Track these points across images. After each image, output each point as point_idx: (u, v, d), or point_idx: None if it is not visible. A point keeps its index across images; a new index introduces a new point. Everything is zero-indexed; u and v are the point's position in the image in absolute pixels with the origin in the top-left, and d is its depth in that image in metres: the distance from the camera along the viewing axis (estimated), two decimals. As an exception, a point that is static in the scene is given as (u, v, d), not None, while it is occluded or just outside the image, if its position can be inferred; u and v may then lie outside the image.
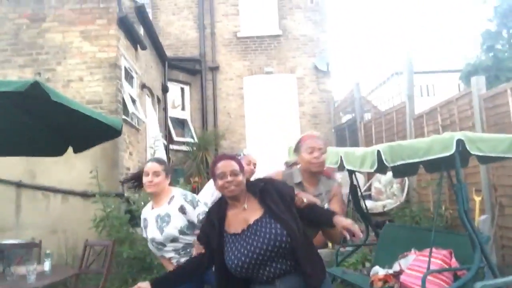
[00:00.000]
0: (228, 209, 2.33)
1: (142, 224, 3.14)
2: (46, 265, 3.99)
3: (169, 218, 2.91)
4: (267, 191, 2.29)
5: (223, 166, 2.29)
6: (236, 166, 2.30)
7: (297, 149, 2.80)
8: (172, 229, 2.89)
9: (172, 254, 2.96)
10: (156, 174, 2.99)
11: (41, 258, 4.76)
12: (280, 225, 2.15)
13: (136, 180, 3.16)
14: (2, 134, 4.43)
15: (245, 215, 2.27)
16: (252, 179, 3.09)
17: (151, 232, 2.98)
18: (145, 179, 3.01)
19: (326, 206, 2.69)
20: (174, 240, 2.90)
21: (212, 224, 2.30)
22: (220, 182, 2.27)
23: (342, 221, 2.16)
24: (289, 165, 3.02)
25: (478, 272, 3.37)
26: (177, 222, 2.90)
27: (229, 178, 2.25)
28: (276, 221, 2.17)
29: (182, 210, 2.93)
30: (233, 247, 2.21)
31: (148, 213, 3.08)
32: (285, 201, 2.26)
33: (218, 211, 2.34)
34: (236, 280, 2.22)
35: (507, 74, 8.54)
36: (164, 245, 2.93)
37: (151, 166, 3.02)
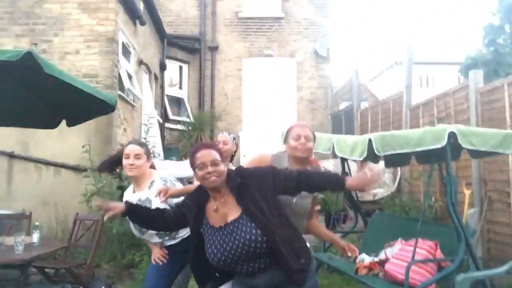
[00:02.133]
0: (208, 200, 2.27)
1: None
2: (35, 237, 4.00)
3: (150, 203, 2.84)
4: (245, 188, 2.20)
5: (202, 156, 2.19)
6: (216, 156, 2.21)
7: (285, 137, 2.79)
8: None
9: (155, 239, 2.97)
10: (137, 157, 2.91)
11: (30, 230, 4.78)
12: (258, 227, 2.10)
13: (115, 163, 3.06)
14: (-5, 104, 4.40)
15: (223, 210, 2.22)
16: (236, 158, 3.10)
17: None
18: (125, 162, 2.91)
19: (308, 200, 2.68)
20: None
21: (190, 209, 2.29)
22: (200, 173, 2.18)
23: (356, 182, 2.17)
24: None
25: (462, 264, 3.42)
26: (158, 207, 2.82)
27: (210, 169, 2.16)
28: (254, 223, 2.11)
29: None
30: (212, 240, 2.20)
31: (130, 196, 3.02)
32: (265, 197, 2.17)
33: (198, 199, 2.29)
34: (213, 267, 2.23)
35: (507, 69, 8.49)
36: (145, 232, 2.93)
37: (132, 149, 2.93)
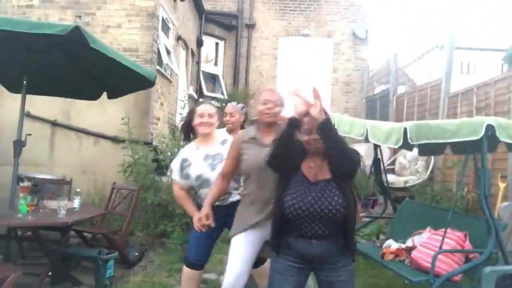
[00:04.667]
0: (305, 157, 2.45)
1: (179, 165, 3.26)
2: (76, 202, 4.21)
3: (221, 157, 3.11)
4: (337, 158, 2.35)
5: (308, 122, 2.33)
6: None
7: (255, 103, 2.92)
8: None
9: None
10: (211, 116, 3.22)
11: (71, 195, 5.03)
12: (341, 195, 2.31)
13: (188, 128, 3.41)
14: (41, 74, 4.60)
15: (315, 168, 2.40)
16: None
17: (199, 169, 3.17)
18: (199, 120, 3.21)
19: None
20: None
21: (296, 154, 2.41)
22: (305, 138, 2.38)
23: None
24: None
25: (490, 257, 3.41)
26: None
27: (313, 136, 2.34)
28: (339, 191, 2.32)
29: None
30: (298, 189, 2.35)
31: (192, 152, 3.26)
32: (349, 174, 2.40)
33: (303, 151, 2.44)
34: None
35: (553, 59, 8.12)
36: (209, 183, 3.12)
37: (206, 108, 3.24)
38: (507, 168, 5.28)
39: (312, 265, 2.41)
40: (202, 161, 3.19)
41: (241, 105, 4.09)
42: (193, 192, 3.38)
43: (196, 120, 3.23)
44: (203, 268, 3.31)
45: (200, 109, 3.26)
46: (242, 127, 4.04)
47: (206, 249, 3.24)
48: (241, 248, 2.78)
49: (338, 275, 2.36)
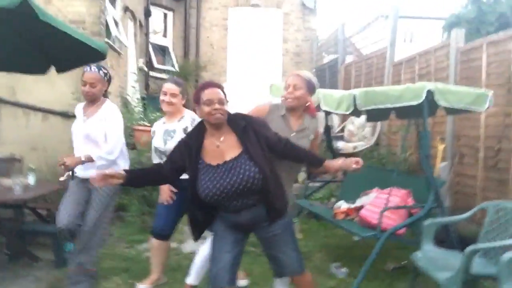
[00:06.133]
0: (206, 137, 2.46)
1: (152, 135, 3.58)
2: (31, 179, 4.15)
3: (174, 134, 3.35)
4: (247, 131, 2.43)
5: (211, 93, 2.38)
6: (223, 95, 2.41)
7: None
8: (173, 144, 3.13)
9: None
10: (173, 95, 3.39)
11: (23, 173, 4.92)
12: (255, 166, 2.34)
13: None
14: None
15: (222, 148, 2.42)
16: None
17: (157, 142, 3.43)
18: (162, 98, 3.41)
19: (304, 142, 2.88)
20: None
21: (189, 147, 2.45)
22: (206, 109, 2.37)
23: (335, 165, 2.67)
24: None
25: (430, 211, 3.75)
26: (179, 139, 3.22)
27: (217, 106, 2.36)
28: (252, 162, 2.35)
29: (185, 131, 3.25)
30: (206, 177, 2.37)
31: (159, 126, 3.55)
32: (261, 142, 2.44)
33: (197, 136, 2.47)
34: (204, 203, 2.43)
35: (487, 28, 8.60)
36: (165, 155, 3.22)
37: (170, 87, 3.41)
38: (445, 131, 5.69)
39: (246, 229, 2.53)
40: (162, 135, 3.47)
41: (102, 71, 3.61)
42: None
43: (161, 97, 3.45)
44: (169, 238, 3.45)
45: (165, 87, 3.43)
46: (105, 95, 3.86)
47: (171, 220, 3.41)
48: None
49: (273, 230, 2.49)
